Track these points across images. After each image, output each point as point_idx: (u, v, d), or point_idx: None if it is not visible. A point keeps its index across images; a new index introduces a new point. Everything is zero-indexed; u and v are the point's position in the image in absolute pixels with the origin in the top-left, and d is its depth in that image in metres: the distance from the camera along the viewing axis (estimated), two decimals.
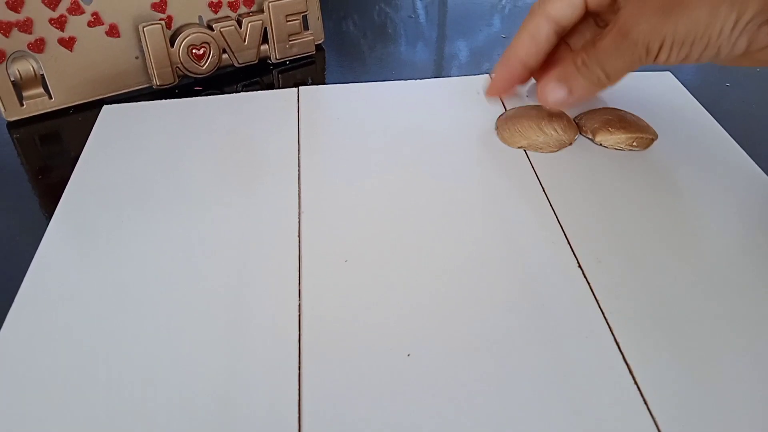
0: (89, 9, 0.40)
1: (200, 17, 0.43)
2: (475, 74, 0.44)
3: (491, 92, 0.39)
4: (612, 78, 0.32)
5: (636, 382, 0.24)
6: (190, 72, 0.43)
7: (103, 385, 0.24)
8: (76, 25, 0.40)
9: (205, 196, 0.33)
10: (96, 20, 0.40)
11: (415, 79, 0.43)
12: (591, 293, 0.28)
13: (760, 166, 0.35)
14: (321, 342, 0.26)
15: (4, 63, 0.39)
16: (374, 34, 0.53)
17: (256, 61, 0.46)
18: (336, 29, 0.53)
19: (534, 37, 0.35)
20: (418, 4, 0.58)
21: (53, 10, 0.39)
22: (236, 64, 0.45)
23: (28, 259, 0.30)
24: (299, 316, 0.27)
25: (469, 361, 0.25)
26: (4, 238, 0.33)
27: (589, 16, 0.35)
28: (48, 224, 0.32)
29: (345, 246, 0.30)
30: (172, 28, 0.42)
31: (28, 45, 0.39)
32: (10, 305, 0.28)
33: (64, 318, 0.27)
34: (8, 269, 0.30)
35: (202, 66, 0.43)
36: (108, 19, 0.41)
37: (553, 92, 0.33)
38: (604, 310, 0.27)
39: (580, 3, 0.34)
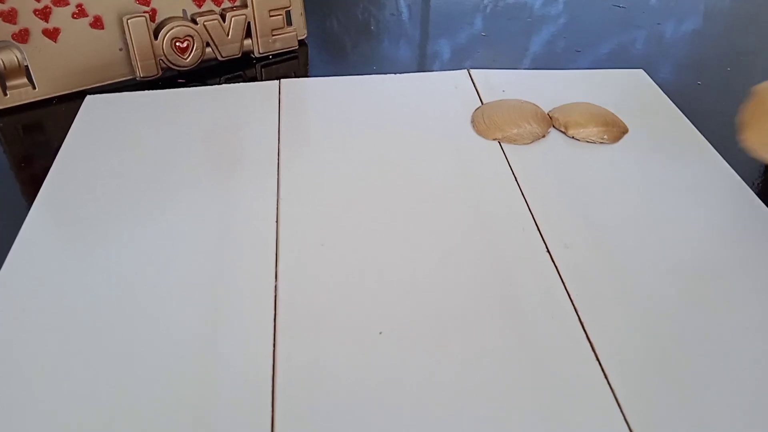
0: (74, 0, 0.40)
1: (184, 11, 0.44)
2: (453, 70, 0.45)
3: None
4: None
5: (598, 359, 0.25)
6: (174, 64, 0.44)
7: (82, 366, 0.25)
8: (61, 17, 0.40)
9: (185, 184, 0.34)
10: (80, 12, 0.41)
11: (395, 73, 0.44)
12: (558, 276, 0.29)
13: (727, 162, 0.37)
14: (296, 319, 0.27)
15: None
16: (357, 31, 0.54)
17: (240, 55, 0.46)
18: (320, 26, 0.54)
19: None
20: (402, 3, 0.59)
21: (38, 1, 0.39)
22: (219, 58, 0.46)
23: (8, 244, 0.31)
24: (275, 295, 0.28)
25: (438, 337, 0.26)
26: None
27: None
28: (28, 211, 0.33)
29: (322, 231, 0.31)
30: (156, 21, 0.43)
31: (12, 35, 0.39)
32: None
33: (44, 301, 0.27)
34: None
35: (186, 59, 0.44)
36: (92, 11, 0.41)
37: None
38: (570, 292, 0.28)
39: None
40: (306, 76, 0.47)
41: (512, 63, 0.48)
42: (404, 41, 0.53)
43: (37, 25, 0.40)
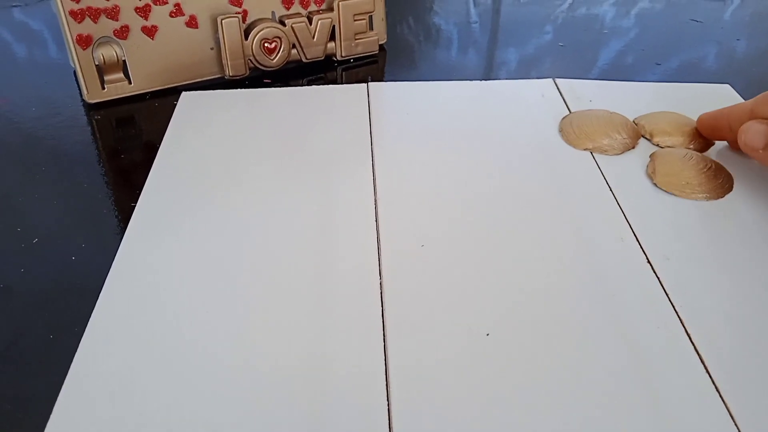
0: (172, 0, 0.42)
1: (273, 13, 0.45)
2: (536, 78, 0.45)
3: (700, 126, 0.39)
4: None
5: (708, 371, 0.25)
6: (261, 65, 0.45)
7: (195, 359, 0.26)
8: (159, 15, 0.42)
9: (282, 183, 0.35)
10: (177, 11, 0.42)
11: (480, 80, 0.45)
12: (661, 287, 0.29)
13: None
14: (403, 320, 0.27)
15: (91, 47, 0.41)
16: (432, 37, 0.55)
17: (323, 58, 0.47)
18: (391, 31, 0.55)
19: (754, 115, 0.34)
20: (472, 11, 0.60)
21: None
22: (304, 60, 0.47)
23: (109, 234, 0.32)
24: (381, 295, 0.28)
25: (544, 342, 0.26)
26: (83, 215, 0.34)
27: None
28: (135, 205, 0.34)
29: (422, 231, 0.31)
30: (246, 22, 0.44)
31: (113, 31, 0.41)
32: (103, 282, 0.29)
33: (155, 298, 0.28)
34: (94, 244, 0.32)
35: (273, 59, 0.45)
36: (188, 10, 0.42)
37: (754, 137, 0.33)
38: (674, 303, 0.28)
39: None
40: (383, 80, 0.48)
41: (585, 75, 0.48)
42: (473, 48, 0.53)
43: (137, 23, 0.41)
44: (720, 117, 0.37)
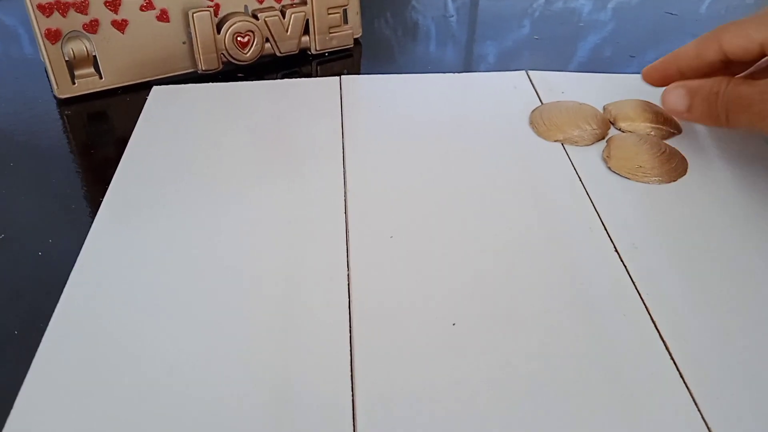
0: None
1: (246, 6, 0.45)
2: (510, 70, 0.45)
3: (646, 78, 0.39)
4: (731, 124, 0.33)
5: (672, 357, 0.25)
6: (234, 59, 0.45)
7: (153, 362, 0.25)
8: (130, 9, 0.41)
9: (253, 177, 0.34)
10: (148, 5, 0.42)
11: (453, 72, 0.45)
12: (627, 275, 0.29)
13: None
14: (370, 310, 0.27)
15: (60, 42, 0.40)
16: (408, 32, 0.54)
17: (297, 52, 0.47)
18: (369, 26, 0.55)
19: (699, 56, 0.35)
20: (450, 5, 0.60)
21: None
22: (278, 54, 0.46)
23: (78, 230, 0.32)
24: (348, 286, 0.28)
25: (510, 331, 0.26)
26: (52, 211, 0.34)
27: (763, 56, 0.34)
28: (102, 199, 0.33)
29: (390, 223, 0.31)
30: (219, 16, 0.44)
31: (83, 26, 0.41)
32: (66, 278, 0.29)
33: (120, 288, 0.28)
34: (63, 240, 0.32)
35: (246, 53, 0.45)
36: (159, 4, 0.42)
37: (676, 100, 0.34)
38: (640, 292, 0.28)
39: (755, 49, 0.33)
40: (358, 74, 0.47)
41: (562, 68, 0.48)
42: (452, 42, 0.53)
43: (106, 17, 0.41)
44: (668, 63, 0.37)
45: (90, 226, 0.32)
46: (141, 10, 0.42)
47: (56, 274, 0.29)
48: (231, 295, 0.28)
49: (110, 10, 0.41)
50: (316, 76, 0.47)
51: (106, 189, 0.34)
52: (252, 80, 0.45)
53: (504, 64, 0.49)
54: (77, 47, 0.41)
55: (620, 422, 0.23)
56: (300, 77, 0.46)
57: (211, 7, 0.43)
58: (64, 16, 0.40)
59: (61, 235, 0.32)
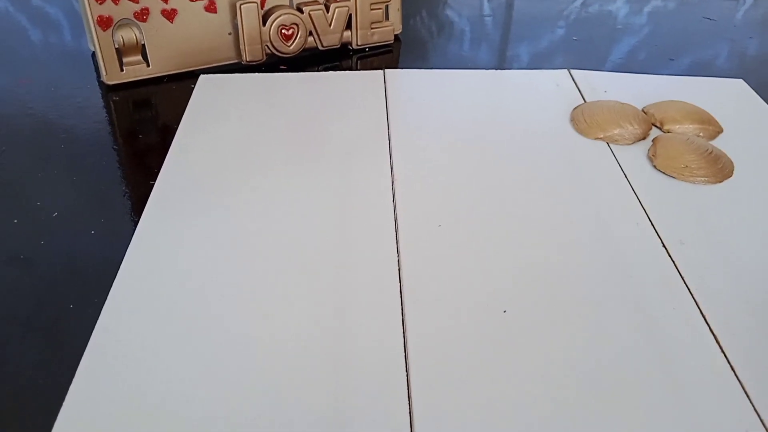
0: None
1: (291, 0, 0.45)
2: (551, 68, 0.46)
3: None
4: None
5: (722, 350, 0.26)
6: (278, 51, 0.45)
7: (208, 339, 0.26)
8: None
9: (301, 167, 0.35)
10: None
11: (495, 69, 0.45)
12: (676, 270, 0.29)
13: None
14: (421, 297, 0.27)
15: (111, 29, 0.41)
16: (445, 29, 0.55)
17: (339, 46, 0.48)
18: (405, 23, 0.55)
19: None
20: (486, 5, 0.60)
21: None
22: (320, 47, 0.47)
23: (127, 210, 0.33)
24: (399, 273, 0.28)
25: (560, 319, 0.27)
26: (101, 192, 0.35)
27: None
28: (153, 183, 0.34)
29: (437, 213, 0.32)
30: (264, 8, 0.45)
31: (134, 14, 0.41)
32: (120, 255, 0.29)
33: (174, 273, 0.28)
34: (112, 220, 0.32)
35: (290, 46, 0.45)
36: None
37: None
38: (689, 286, 0.28)
39: None
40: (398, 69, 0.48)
41: (598, 69, 0.48)
42: (486, 42, 0.53)
43: (157, 6, 0.42)
44: None
45: (135, 208, 0.33)
46: (190, 0, 0.42)
47: (108, 251, 0.30)
48: (282, 282, 0.28)
49: None
50: (357, 70, 0.47)
51: (152, 173, 0.35)
52: (294, 72, 0.45)
53: (537, 64, 0.49)
54: (127, 35, 0.42)
55: (671, 412, 0.23)
56: (340, 71, 0.47)
57: None
58: (116, 4, 0.41)
59: (111, 215, 0.33)
